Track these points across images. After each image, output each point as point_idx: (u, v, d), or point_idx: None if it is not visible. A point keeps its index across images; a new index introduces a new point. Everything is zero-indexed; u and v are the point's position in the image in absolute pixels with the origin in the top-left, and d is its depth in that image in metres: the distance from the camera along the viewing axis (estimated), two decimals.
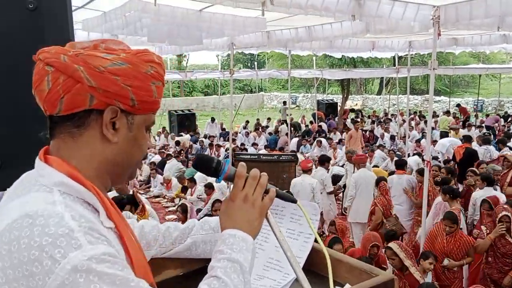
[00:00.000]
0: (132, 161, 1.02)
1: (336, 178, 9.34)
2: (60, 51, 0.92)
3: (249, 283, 0.97)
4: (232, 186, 1.14)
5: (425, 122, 18.60)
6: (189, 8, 6.20)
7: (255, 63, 29.26)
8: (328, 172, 8.52)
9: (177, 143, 15.39)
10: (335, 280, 1.20)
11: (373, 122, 20.07)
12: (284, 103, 22.99)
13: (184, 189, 10.09)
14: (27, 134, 1.83)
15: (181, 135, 17.08)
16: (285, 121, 20.94)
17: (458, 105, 22.02)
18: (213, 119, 19.49)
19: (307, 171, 7.66)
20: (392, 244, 4.40)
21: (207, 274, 0.98)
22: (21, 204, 0.87)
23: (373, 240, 4.87)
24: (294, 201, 1.19)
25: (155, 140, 17.07)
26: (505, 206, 5.40)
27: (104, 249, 0.83)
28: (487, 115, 20.62)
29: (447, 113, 19.70)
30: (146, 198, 9.54)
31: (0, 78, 1.80)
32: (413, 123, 18.71)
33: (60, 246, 0.79)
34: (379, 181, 7.08)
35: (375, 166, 10.64)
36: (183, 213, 5.79)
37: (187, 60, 37.19)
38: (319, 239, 1.16)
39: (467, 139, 10.50)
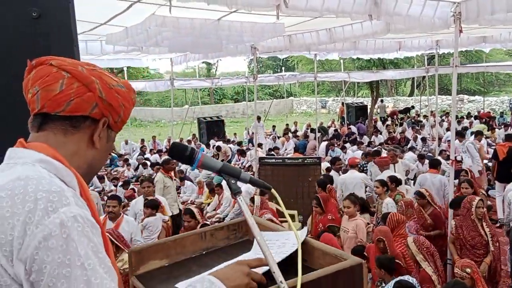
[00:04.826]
0: (100, 167, 1.21)
1: None
2: (75, 62, 1.11)
3: None
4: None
5: (458, 122, 18.18)
6: (207, 18, 6.31)
7: (283, 68, 29.26)
8: (339, 174, 8.55)
9: (218, 148, 15.28)
10: (310, 267, 1.23)
11: (401, 124, 19.78)
12: (382, 101, 24.63)
13: (211, 192, 10.21)
14: None
15: (220, 142, 17.16)
16: (383, 117, 21.91)
17: (476, 117, 21.26)
18: (259, 118, 19.27)
19: (355, 166, 7.96)
20: (408, 238, 4.40)
21: None
22: (8, 174, 0.97)
23: (379, 234, 4.83)
24: (269, 188, 1.23)
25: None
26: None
27: (88, 215, 0.94)
28: None
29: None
30: None
31: (6, 84, 1.92)
32: (445, 123, 18.30)
33: (53, 200, 0.90)
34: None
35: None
36: (192, 218, 5.93)
37: (216, 68, 37.57)
38: (291, 223, 1.19)
39: (510, 137, 10.14)
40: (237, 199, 1.14)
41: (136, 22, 6.27)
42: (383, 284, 4.06)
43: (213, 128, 19.59)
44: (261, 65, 40.84)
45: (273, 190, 1.23)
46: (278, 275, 1.05)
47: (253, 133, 16.12)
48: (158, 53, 10.33)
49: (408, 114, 23.32)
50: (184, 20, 5.98)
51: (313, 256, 1.26)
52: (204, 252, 1.48)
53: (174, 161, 7.05)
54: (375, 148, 10.68)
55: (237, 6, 4.65)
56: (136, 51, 8.94)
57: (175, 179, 8.60)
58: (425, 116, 20.59)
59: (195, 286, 1.03)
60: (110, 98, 1.11)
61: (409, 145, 15.55)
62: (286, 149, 16.18)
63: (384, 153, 12.39)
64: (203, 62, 25.99)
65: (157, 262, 1.42)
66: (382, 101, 25.38)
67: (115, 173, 14.35)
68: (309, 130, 18.49)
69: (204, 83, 17.29)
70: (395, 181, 6.77)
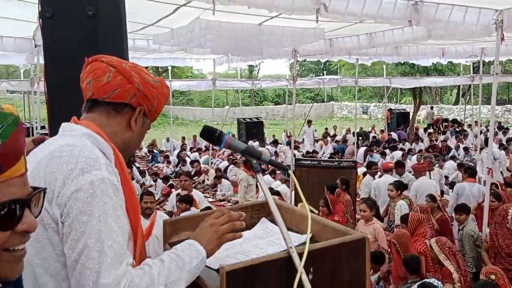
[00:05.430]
0: (135, 147, 1.48)
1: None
2: (121, 60, 1.40)
3: (184, 279, 1.23)
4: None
5: (504, 132, 17.65)
6: (249, 23, 6.53)
7: (325, 72, 29.18)
8: (374, 178, 8.58)
9: None
10: (320, 241, 1.39)
11: (444, 132, 19.39)
12: (431, 108, 25.06)
13: None
14: None
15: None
16: (432, 125, 21.78)
17: None
18: (309, 122, 19.39)
19: (389, 170, 8.08)
20: (431, 240, 4.46)
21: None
22: (60, 141, 1.25)
23: (393, 237, 4.88)
24: (286, 169, 1.41)
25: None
26: None
27: (115, 180, 1.19)
28: None
29: None
30: (211, 201, 10.07)
31: (64, 78, 2.16)
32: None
33: (89, 164, 1.17)
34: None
35: (446, 176, 10.52)
36: None
37: (258, 70, 37.89)
38: (305, 203, 1.35)
39: None
40: (257, 176, 1.32)
41: (182, 24, 6.57)
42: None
43: (252, 129, 19.84)
44: (303, 69, 40.87)
45: (290, 171, 1.40)
46: (288, 241, 1.22)
47: (290, 135, 16.39)
48: (202, 54, 10.65)
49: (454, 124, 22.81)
50: (227, 24, 6.23)
51: (324, 232, 1.42)
52: None
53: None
54: (397, 160, 10.67)
55: (277, 9, 4.82)
56: (180, 51, 9.29)
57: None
58: (469, 126, 20.10)
59: (176, 248, 1.28)
60: (146, 90, 1.36)
61: (450, 154, 15.28)
62: (324, 153, 16.22)
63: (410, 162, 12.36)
64: (247, 65, 26.34)
65: (188, 233, 1.60)
66: (432, 108, 25.21)
67: (156, 168, 14.83)
68: (349, 134, 18.43)
69: (244, 84, 17.59)
70: (402, 185, 6.93)
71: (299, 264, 1.17)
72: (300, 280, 1.16)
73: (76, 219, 1.12)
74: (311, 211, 1.45)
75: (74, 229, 1.12)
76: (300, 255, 1.19)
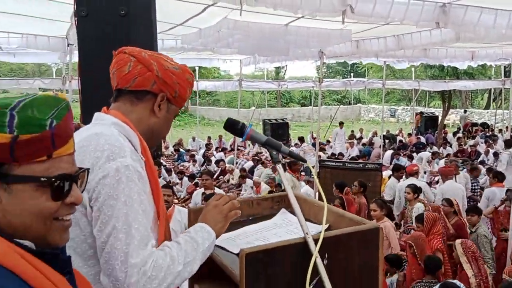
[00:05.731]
0: (162, 134, 1.53)
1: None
2: (141, 50, 1.47)
3: (199, 259, 1.33)
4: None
5: None
6: (276, 23, 6.60)
7: (352, 74, 28.99)
8: (399, 181, 8.52)
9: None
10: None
11: (473, 137, 19.03)
12: (465, 111, 25.23)
13: (270, 193, 10.45)
14: None
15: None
16: (461, 129, 21.61)
17: None
18: (341, 124, 19.27)
19: (413, 174, 8.05)
20: (456, 241, 4.45)
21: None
22: (91, 130, 1.35)
23: (409, 239, 4.87)
24: (304, 161, 1.47)
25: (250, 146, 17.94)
26: None
27: (138, 167, 1.28)
28: None
29: None
30: None
31: (97, 76, 2.28)
32: None
33: (114, 152, 1.25)
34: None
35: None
36: None
37: (285, 71, 37.90)
38: (324, 199, 1.41)
39: None
40: (277, 166, 1.39)
41: (210, 24, 6.69)
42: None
43: (278, 131, 19.87)
44: (330, 71, 40.65)
45: (308, 163, 1.47)
46: (305, 228, 1.28)
47: (315, 137, 16.35)
48: (229, 54, 10.78)
49: (485, 128, 22.38)
50: (254, 25, 6.31)
51: (341, 222, 1.48)
52: (250, 218, 1.73)
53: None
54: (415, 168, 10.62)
55: (303, 11, 4.86)
56: (208, 51, 9.43)
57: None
58: (500, 131, 19.68)
59: (189, 231, 1.37)
60: (165, 77, 1.41)
61: (479, 159, 15.00)
62: (350, 155, 16.14)
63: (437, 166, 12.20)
64: (274, 67, 26.39)
65: None
66: (465, 111, 24.89)
67: (182, 167, 15.04)
68: (376, 137, 18.28)
69: (271, 85, 17.67)
70: (418, 189, 6.92)
71: (314, 249, 1.23)
72: (315, 265, 1.22)
73: (104, 203, 1.21)
74: None
75: (102, 212, 1.22)
76: (316, 241, 1.26)
